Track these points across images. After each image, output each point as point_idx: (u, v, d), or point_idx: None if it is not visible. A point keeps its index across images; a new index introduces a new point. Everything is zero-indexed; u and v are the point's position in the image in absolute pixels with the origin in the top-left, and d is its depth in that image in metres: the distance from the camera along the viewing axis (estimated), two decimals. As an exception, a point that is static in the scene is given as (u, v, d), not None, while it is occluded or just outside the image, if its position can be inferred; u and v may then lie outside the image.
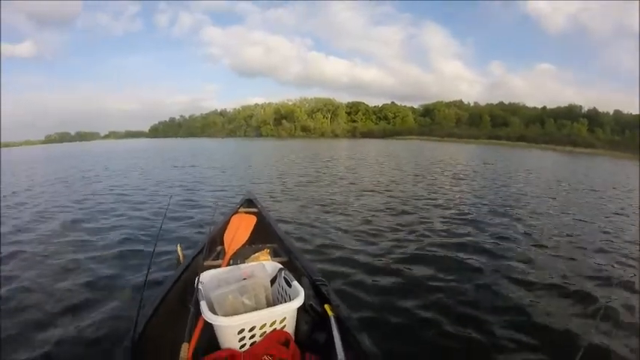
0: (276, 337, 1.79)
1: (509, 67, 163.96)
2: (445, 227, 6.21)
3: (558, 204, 9.18)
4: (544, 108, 74.76)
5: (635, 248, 5.63)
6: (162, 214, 5.37)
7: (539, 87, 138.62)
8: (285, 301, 1.98)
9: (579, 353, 1.24)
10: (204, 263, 2.62)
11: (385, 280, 3.90)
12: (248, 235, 3.38)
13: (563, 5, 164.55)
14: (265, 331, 1.79)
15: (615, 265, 4.81)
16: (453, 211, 7.47)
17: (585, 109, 70.74)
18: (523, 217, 7.35)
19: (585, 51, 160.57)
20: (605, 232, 6.52)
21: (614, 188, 13.05)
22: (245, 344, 1.75)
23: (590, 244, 5.69)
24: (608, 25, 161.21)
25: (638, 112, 67.16)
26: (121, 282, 3.68)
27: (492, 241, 5.61)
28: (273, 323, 1.81)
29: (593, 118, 67.65)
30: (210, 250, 3.05)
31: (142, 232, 5.45)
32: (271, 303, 1.94)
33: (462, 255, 4.81)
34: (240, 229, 3.41)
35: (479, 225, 6.45)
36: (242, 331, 1.71)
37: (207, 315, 1.66)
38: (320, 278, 2.33)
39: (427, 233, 5.77)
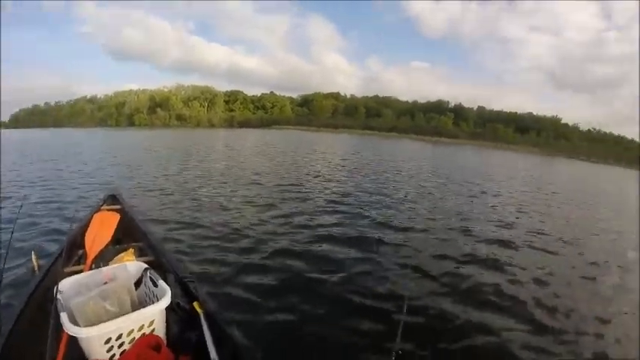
0: (146, 343, 1.69)
1: (386, 63, 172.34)
2: (318, 218, 6.36)
3: (424, 190, 10.36)
4: (415, 102, 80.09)
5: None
6: (12, 220, 3.95)
7: (412, 83, 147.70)
8: (153, 303, 1.81)
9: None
10: (64, 270, 2.34)
11: (256, 274, 3.90)
12: (111, 234, 3.13)
13: (441, 9, 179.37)
14: (134, 337, 1.70)
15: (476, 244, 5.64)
16: (326, 202, 7.70)
17: (452, 104, 77.93)
18: (395, 204, 8.06)
19: (456, 52, 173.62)
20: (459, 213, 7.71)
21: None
22: (114, 354, 1.66)
23: (455, 224, 6.73)
24: (479, 30, 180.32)
25: (498, 109, 78.50)
26: None
27: (363, 229, 5.88)
28: (142, 328, 1.72)
29: (459, 112, 75.18)
30: (70, 254, 2.82)
31: None
32: (137, 306, 1.83)
33: (333, 246, 4.98)
34: (103, 228, 3.16)
35: (351, 214, 6.73)
36: (109, 340, 1.62)
37: (67, 327, 1.54)
38: (187, 275, 2.33)
39: (301, 225, 5.86)
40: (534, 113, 78.08)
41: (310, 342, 2.78)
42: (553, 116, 78.10)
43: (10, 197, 7.37)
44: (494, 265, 4.89)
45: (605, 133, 79.06)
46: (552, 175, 24.89)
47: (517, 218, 7.87)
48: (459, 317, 3.32)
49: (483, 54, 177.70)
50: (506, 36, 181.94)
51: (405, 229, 5.99)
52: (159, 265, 2.53)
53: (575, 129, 77.64)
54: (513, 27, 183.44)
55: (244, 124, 74.56)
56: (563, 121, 77.77)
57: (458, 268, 4.57)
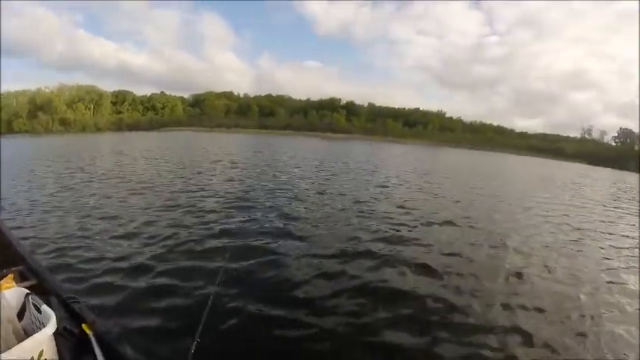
0: None
1: (279, 62, 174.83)
2: (213, 219, 6.75)
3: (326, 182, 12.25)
4: (308, 100, 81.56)
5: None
6: None
7: (305, 81, 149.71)
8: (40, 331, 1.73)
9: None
10: None
11: (146, 286, 3.95)
12: None
13: (335, 11, 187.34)
14: None
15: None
16: (223, 201, 8.26)
17: (344, 101, 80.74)
18: (300, 197, 9.32)
19: (349, 52, 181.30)
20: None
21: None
22: None
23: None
24: (370, 31, 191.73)
25: (386, 105, 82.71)
26: None
27: (260, 226, 6.46)
28: None
29: (351, 108, 78.68)
30: None
31: None
32: (24, 337, 1.68)
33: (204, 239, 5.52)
34: None
35: (248, 217, 7.10)
36: None
37: None
38: (72, 295, 2.19)
39: (191, 232, 5.96)
40: (421, 108, 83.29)
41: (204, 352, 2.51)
42: (438, 111, 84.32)
43: None
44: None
45: (485, 124, 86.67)
46: (435, 163, 27.82)
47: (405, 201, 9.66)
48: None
49: (374, 54, 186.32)
50: (396, 38, 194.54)
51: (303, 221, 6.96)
52: (42, 289, 2.33)
53: (458, 121, 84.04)
54: (402, 29, 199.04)
55: (134, 126, 69.86)
56: (447, 115, 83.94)
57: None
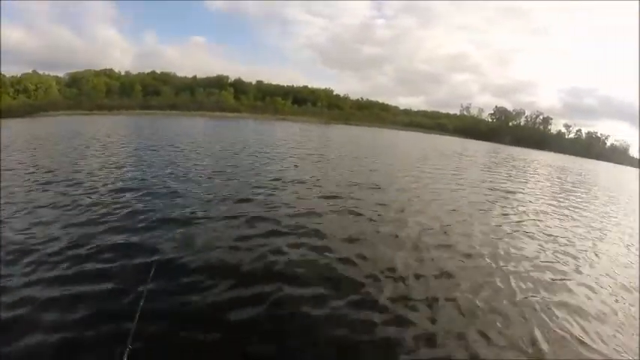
0: None
1: (164, 38, 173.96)
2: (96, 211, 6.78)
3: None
4: (195, 77, 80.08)
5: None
6: None
7: (191, 58, 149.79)
8: None
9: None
10: None
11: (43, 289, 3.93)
12: None
13: None
14: None
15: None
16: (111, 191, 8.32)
17: (232, 79, 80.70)
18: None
19: (237, 29, 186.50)
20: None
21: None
22: None
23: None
24: (261, 10, 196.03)
25: (275, 83, 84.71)
26: None
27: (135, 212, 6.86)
28: None
29: (239, 86, 79.15)
30: None
31: None
32: None
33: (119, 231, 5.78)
34: None
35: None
36: None
37: None
38: None
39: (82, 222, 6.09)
40: (309, 86, 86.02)
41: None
42: (326, 88, 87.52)
43: None
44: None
45: (372, 101, 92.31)
46: (326, 138, 30.63)
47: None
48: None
49: (267, 34, 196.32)
50: (289, 18, 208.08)
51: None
52: None
53: (346, 99, 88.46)
54: (294, 10, 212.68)
55: (4, 113, 61.47)
56: (335, 93, 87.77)
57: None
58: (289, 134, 30.70)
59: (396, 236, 6.73)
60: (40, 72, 74.89)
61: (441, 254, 6.10)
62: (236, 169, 12.21)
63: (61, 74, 76.64)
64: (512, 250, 6.83)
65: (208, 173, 11.14)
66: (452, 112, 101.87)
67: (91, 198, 7.69)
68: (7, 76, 71.47)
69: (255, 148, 18.94)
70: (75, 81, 72.96)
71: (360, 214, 7.87)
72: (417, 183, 13.09)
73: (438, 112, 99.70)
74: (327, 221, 7.16)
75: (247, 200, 8.16)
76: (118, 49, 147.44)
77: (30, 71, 74.52)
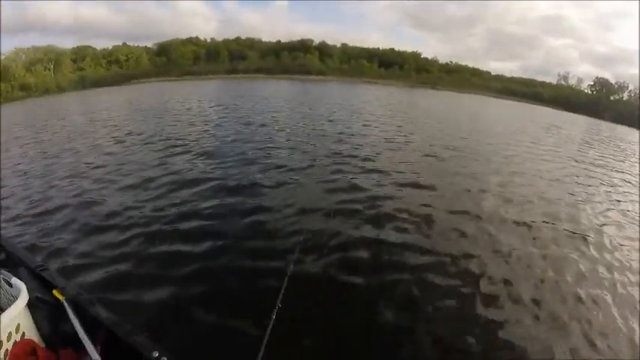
0: (21, 351, 1.60)
1: (245, 3, 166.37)
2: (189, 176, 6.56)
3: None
4: (279, 42, 77.84)
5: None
6: None
7: (274, 23, 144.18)
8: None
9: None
10: None
11: (112, 252, 3.85)
12: None
13: None
14: (7, 349, 1.59)
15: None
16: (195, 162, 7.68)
17: (316, 42, 77.31)
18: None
19: None
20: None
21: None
22: None
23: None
24: None
25: (361, 46, 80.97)
26: None
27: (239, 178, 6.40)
28: (10, 336, 1.61)
29: (324, 50, 75.36)
30: None
31: None
32: None
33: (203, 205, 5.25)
34: None
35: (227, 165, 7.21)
36: None
37: None
38: (40, 264, 2.14)
39: (166, 187, 5.94)
40: (396, 49, 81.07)
41: (174, 306, 3.00)
42: (413, 51, 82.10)
43: None
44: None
45: (461, 65, 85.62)
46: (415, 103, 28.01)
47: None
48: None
49: None
50: None
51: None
52: (10, 261, 2.29)
53: (434, 62, 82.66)
54: None
55: (99, 83, 65.47)
56: (423, 56, 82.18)
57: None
58: (376, 98, 28.38)
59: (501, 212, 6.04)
60: (130, 44, 77.71)
61: (547, 234, 5.44)
62: (321, 131, 11.18)
63: (150, 44, 79.01)
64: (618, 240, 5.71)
65: (305, 138, 10.27)
66: (548, 80, 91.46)
67: (189, 160, 7.84)
68: (99, 49, 75.16)
69: (345, 112, 16.64)
70: (163, 50, 74.77)
71: (461, 185, 7.22)
72: (517, 156, 11.04)
73: (533, 80, 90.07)
74: (425, 188, 6.69)
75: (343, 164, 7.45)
76: (201, 17, 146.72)
77: (120, 44, 77.66)
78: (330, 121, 12.84)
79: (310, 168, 7.04)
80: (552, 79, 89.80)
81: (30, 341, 1.64)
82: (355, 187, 6.14)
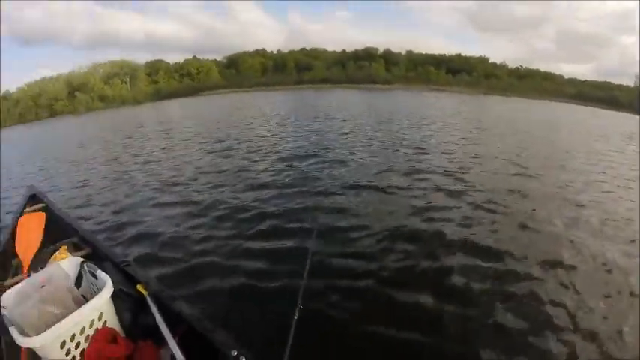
0: (102, 337, 1.71)
1: (309, 15, 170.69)
2: (264, 182, 6.53)
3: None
4: (344, 51, 78.21)
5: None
6: None
7: (337, 33, 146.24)
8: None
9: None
10: (5, 284, 2.30)
11: (192, 248, 4.02)
12: (41, 236, 2.99)
13: None
14: (89, 334, 1.70)
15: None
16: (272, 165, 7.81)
17: (381, 50, 76.50)
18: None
19: None
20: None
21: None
22: (74, 356, 1.66)
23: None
24: None
25: (426, 52, 79.46)
26: None
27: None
28: (92, 323, 1.72)
29: (389, 58, 74.49)
30: (5, 267, 2.80)
31: None
32: (83, 302, 1.75)
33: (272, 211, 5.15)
34: (32, 232, 3.01)
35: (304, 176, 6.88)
36: (64, 343, 1.61)
37: (19, 340, 1.53)
38: (124, 259, 2.31)
39: (236, 199, 5.76)
40: (462, 54, 78.72)
41: (250, 307, 3.01)
42: (481, 56, 79.37)
43: None
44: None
45: (531, 69, 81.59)
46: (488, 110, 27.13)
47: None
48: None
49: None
50: None
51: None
52: (96, 256, 2.49)
53: (503, 67, 79.37)
54: None
55: (172, 94, 69.61)
56: (490, 61, 79.21)
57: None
58: (446, 106, 26.63)
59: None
60: (200, 57, 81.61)
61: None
62: (397, 140, 10.69)
63: (219, 58, 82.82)
64: None
65: (372, 143, 10.21)
66: (625, 83, 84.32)
67: (259, 164, 7.91)
68: (172, 63, 79.76)
69: (417, 121, 15.41)
70: (232, 63, 77.88)
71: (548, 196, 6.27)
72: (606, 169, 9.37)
73: (608, 83, 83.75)
74: (506, 194, 6.08)
75: (416, 172, 7.16)
76: (268, 30, 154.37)
77: (191, 57, 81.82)
78: (404, 132, 12.22)
79: (384, 179, 6.62)
80: (629, 81, 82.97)
81: (111, 329, 1.75)
82: (429, 206, 5.48)
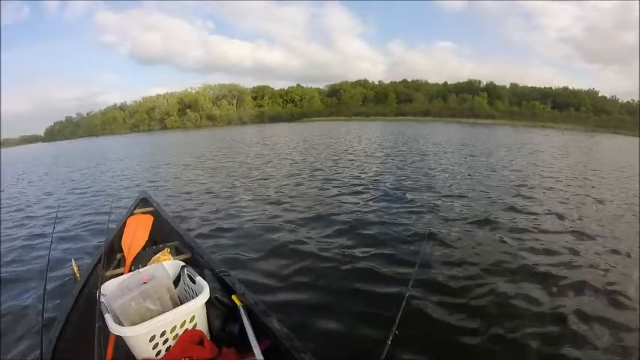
0: (189, 338, 1.78)
1: (410, 46, 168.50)
2: (356, 207, 6.33)
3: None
4: (445, 83, 77.18)
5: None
6: (51, 228, 3.97)
7: (440, 64, 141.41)
8: (192, 299, 1.88)
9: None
10: (105, 274, 2.48)
11: (291, 267, 3.93)
12: (147, 236, 3.29)
13: None
14: (177, 334, 1.78)
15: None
16: (365, 190, 7.61)
17: (484, 83, 74.42)
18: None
19: (479, 28, 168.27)
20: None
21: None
22: (160, 351, 1.73)
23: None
24: (499, 3, 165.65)
25: (531, 85, 74.88)
26: (16, 311, 3.22)
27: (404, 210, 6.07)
28: (183, 324, 1.80)
29: (492, 91, 71.95)
30: (110, 258, 2.95)
31: (32, 252, 4.83)
32: (178, 303, 1.90)
33: (369, 231, 5.03)
34: (138, 231, 3.32)
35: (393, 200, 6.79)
36: (153, 337, 1.69)
37: (113, 328, 1.62)
38: (223, 269, 2.38)
39: (336, 214, 5.84)
40: (569, 87, 74.89)
41: (345, 331, 2.82)
42: (589, 89, 75.01)
43: (46, 207, 7.74)
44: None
45: (645, 103, 75.92)
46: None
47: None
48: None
49: (509, 28, 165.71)
50: (529, 8, 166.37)
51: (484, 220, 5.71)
52: (195, 262, 2.66)
53: (614, 102, 74.64)
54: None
55: (275, 118, 74.43)
56: (600, 95, 74.69)
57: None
58: (554, 144, 23.37)
59: None
60: (304, 85, 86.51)
61: None
62: (504, 179, 9.43)
63: (321, 86, 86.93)
64: None
65: (474, 179, 9.24)
66: None
67: (357, 190, 7.66)
68: (276, 89, 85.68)
69: (523, 161, 13.42)
70: (334, 91, 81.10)
71: None
72: None
73: None
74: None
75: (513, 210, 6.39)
76: (369, 61, 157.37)
77: (295, 85, 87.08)
78: (510, 169, 10.90)
79: (482, 219, 5.76)
80: None
81: (200, 332, 1.83)
82: (531, 249, 4.63)
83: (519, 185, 8.53)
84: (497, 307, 3.23)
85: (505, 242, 4.79)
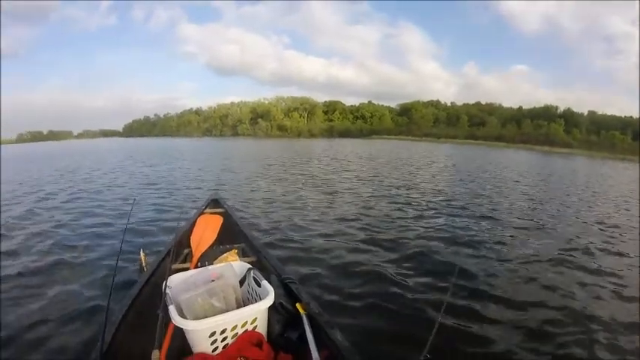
0: (248, 339, 1.78)
1: (484, 68, 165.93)
2: (422, 225, 6.39)
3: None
4: (520, 108, 74.59)
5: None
6: (126, 218, 4.42)
7: (514, 88, 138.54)
8: (255, 301, 1.93)
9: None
10: (172, 267, 2.50)
11: (357, 280, 3.92)
12: (215, 235, 3.37)
13: (535, 6, 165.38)
14: (237, 333, 1.78)
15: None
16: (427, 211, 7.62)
17: (561, 109, 70.58)
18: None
19: (557, 52, 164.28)
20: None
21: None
22: (217, 347, 1.74)
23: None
24: (579, 26, 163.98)
25: (611, 113, 69.70)
26: (85, 293, 3.42)
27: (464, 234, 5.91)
28: (245, 324, 1.81)
29: (569, 118, 68.11)
30: (178, 253, 3.02)
31: (105, 239, 5.15)
32: (241, 304, 1.91)
33: (436, 248, 5.10)
34: (207, 230, 3.40)
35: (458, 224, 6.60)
36: (213, 334, 1.70)
37: (176, 320, 1.63)
38: (290, 277, 2.35)
39: (401, 232, 5.89)
40: (651, 116, 69.82)
41: (409, 345, 2.62)
42: (673, 118, 70.25)
43: (123, 200, 8.12)
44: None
45: None
46: None
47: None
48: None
49: (589, 53, 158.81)
50: (611, 32, 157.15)
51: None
52: (261, 265, 2.67)
53: None
54: (616, 20, 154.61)
55: (344, 133, 75.60)
56: (684, 124, 69.69)
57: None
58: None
59: None
60: (375, 102, 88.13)
61: None
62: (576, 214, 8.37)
63: (393, 105, 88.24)
64: None
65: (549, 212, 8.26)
66: None
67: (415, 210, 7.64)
68: (347, 105, 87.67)
69: (603, 199, 11.14)
70: (405, 111, 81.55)
71: None
72: None
73: None
74: None
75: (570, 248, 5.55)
76: (442, 82, 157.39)
77: (366, 102, 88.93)
78: (585, 206, 9.39)
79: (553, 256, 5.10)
80: None
81: (259, 335, 1.82)
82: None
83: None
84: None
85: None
